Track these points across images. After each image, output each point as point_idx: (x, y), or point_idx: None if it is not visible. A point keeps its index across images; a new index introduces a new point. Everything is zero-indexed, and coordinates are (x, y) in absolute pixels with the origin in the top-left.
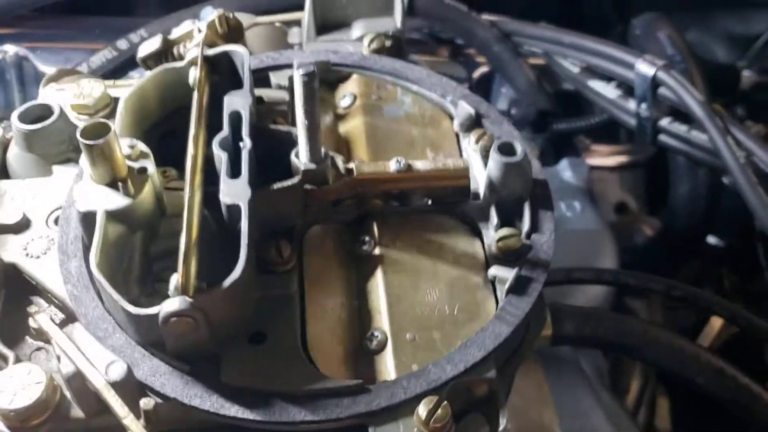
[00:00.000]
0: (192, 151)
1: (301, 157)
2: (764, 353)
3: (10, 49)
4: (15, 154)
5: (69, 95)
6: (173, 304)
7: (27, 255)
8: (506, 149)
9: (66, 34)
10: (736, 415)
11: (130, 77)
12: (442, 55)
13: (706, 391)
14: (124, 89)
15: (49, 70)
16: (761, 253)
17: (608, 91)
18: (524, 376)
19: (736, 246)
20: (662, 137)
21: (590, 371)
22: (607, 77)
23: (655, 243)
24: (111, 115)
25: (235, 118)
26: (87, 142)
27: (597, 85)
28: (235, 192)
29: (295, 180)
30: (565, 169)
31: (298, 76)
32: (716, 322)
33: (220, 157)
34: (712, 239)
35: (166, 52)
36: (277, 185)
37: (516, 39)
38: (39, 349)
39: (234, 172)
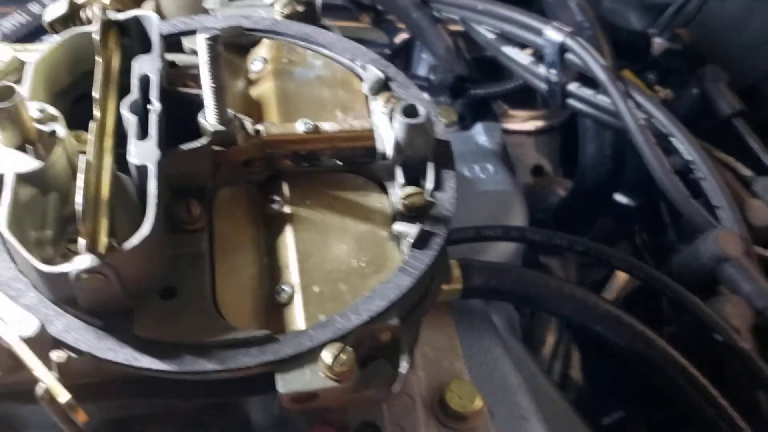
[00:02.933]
0: (98, 113)
1: (208, 119)
2: (663, 304)
3: None
4: None
5: None
6: (84, 261)
7: None
8: (410, 111)
9: None
10: (630, 362)
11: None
12: (364, 21)
13: (604, 338)
14: (35, 53)
15: None
16: (664, 211)
17: (521, 56)
18: (436, 328)
19: (646, 204)
20: (570, 101)
21: (501, 323)
22: (520, 43)
23: (566, 201)
24: (21, 79)
25: (144, 81)
26: None
27: (510, 51)
28: (143, 153)
29: (203, 141)
30: (479, 133)
31: (202, 39)
32: (621, 276)
33: (129, 120)
34: (623, 198)
35: (72, 16)
36: (185, 146)
37: (434, 5)
38: None
39: (143, 134)
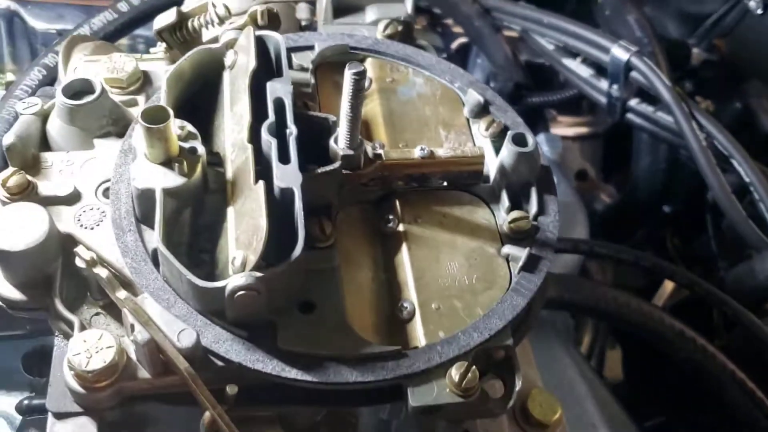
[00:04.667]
0: (247, 136)
1: (340, 144)
2: (713, 316)
3: (2, 3)
4: (57, 127)
5: (102, 68)
6: (240, 279)
7: (81, 226)
8: (519, 140)
9: None
10: (690, 371)
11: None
12: (420, 23)
13: (667, 349)
14: (151, 63)
15: (39, 25)
16: (709, 223)
17: (581, 69)
18: None
19: (681, 212)
20: (630, 115)
21: (562, 330)
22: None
23: (614, 209)
24: (140, 89)
25: (279, 104)
26: (148, 125)
27: (571, 63)
28: (287, 177)
29: (336, 165)
30: (541, 144)
31: (349, 74)
32: (668, 286)
33: (269, 143)
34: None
35: (180, 25)
36: (320, 170)
37: (496, 14)
38: (97, 314)
39: (283, 157)
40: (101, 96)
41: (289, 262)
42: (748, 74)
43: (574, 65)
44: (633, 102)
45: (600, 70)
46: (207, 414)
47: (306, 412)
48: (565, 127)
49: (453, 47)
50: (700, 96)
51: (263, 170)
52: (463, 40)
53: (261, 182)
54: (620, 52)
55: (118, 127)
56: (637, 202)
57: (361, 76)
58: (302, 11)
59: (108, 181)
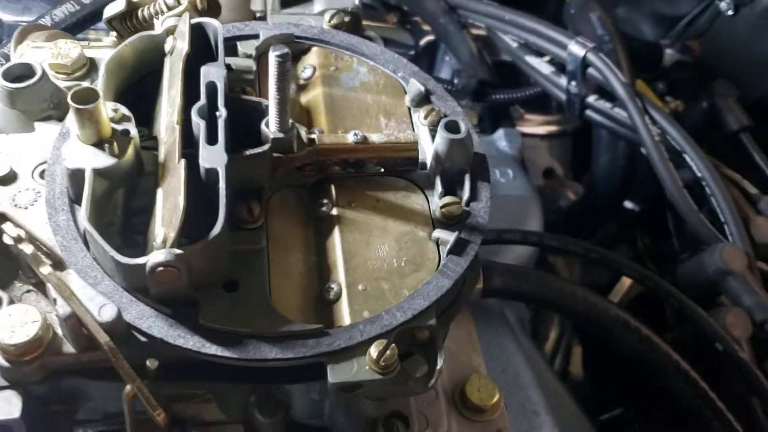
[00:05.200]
0: (177, 118)
1: (270, 127)
2: (666, 310)
3: None
4: None
5: (47, 54)
6: (160, 255)
7: (15, 206)
8: (452, 127)
9: None
10: (635, 362)
11: (96, 30)
12: (390, 21)
13: (612, 340)
14: (98, 50)
15: (6, 17)
16: (670, 220)
17: (543, 66)
18: (456, 323)
19: (650, 210)
20: (588, 112)
21: (513, 320)
22: (542, 53)
23: (577, 206)
24: (86, 75)
25: (212, 88)
26: (77, 106)
27: (533, 61)
28: (213, 157)
29: (265, 147)
30: (500, 139)
31: (273, 56)
32: (626, 281)
33: (198, 125)
34: (628, 204)
35: (130, 13)
36: (249, 152)
37: (461, 12)
38: (29, 291)
39: (211, 138)
40: (41, 80)
41: (208, 241)
42: (719, 75)
43: (537, 62)
44: (591, 99)
45: (562, 68)
46: (128, 387)
47: (234, 390)
48: (534, 126)
49: (421, 44)
50: (671, 96)
51: (194, 153)
52: (431, 37)
53: (183, 161)
54: (577, 49)
55: (60, 111)
56: (597, 199)
57: (284, 58)
58: (256, 3)
59: (45, 162)
